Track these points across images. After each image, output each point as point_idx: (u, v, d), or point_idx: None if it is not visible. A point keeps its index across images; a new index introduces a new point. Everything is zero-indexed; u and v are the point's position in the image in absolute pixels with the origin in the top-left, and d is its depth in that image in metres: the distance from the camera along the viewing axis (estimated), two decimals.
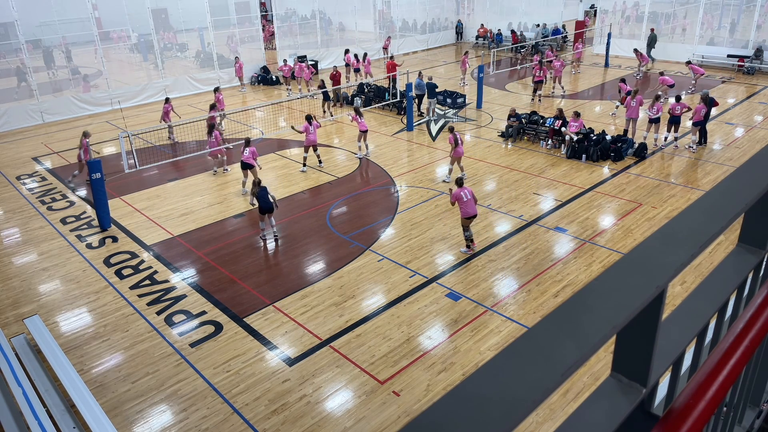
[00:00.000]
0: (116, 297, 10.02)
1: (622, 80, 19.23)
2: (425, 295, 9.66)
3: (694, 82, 21.79)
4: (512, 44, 30.02)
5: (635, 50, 24.46)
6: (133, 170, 13.84)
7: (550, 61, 23.38)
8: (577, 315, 1.04)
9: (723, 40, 26.89)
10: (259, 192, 11.36)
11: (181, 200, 13.99)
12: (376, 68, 26.95)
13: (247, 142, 13.74)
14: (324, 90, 19.71)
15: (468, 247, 11.01)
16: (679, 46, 27.02)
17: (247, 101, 23.19)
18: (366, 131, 16.10)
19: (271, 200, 11.47)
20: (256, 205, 11.71)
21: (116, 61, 24.67)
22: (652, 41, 27.19)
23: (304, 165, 15.37)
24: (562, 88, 22.48)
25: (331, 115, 20.13)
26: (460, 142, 13.81)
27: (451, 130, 13.97)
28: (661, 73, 20.16)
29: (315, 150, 15.37)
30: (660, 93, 17.56)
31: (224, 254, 11.33)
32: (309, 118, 14.93)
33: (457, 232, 11.66)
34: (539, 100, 21.25)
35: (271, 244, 11.70)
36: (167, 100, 18.11)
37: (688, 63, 22.04)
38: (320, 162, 15.63)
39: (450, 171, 14.26)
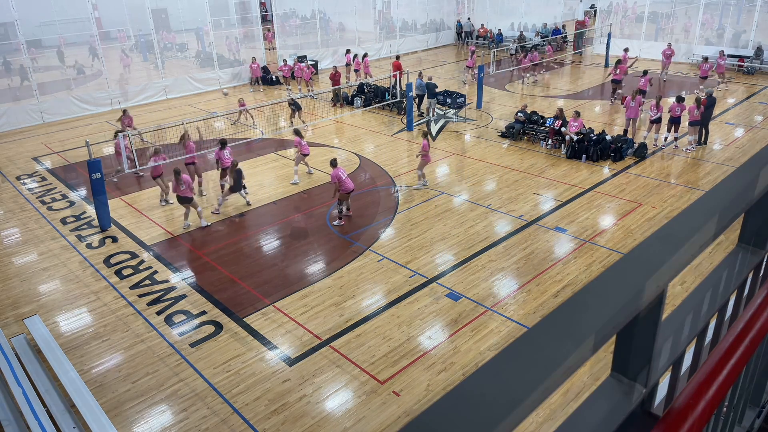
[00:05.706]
0: (116, 297, 10.02)
1: (645, 72, 18.76)
2: (425, 295, 9.66)
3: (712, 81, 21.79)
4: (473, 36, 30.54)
5: (669, 45, 24.13)
6: (133, 170, 13.83)
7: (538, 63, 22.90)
8: (577, 315, 1.04)
9: (723, 40, 26.87)
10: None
11: None
12: (376, 68, 26.93)
13: (177, 173, 11.80)
14: (294, 103, 18.84)
15: (341, 219, 12.25)
16: (679, 46, 27.00)
17: (251, 101, 23.17)
18: (307, 155, 14.58)
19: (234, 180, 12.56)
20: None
21: (116, 61, 24.66)
22: (579, 36, 30.56)
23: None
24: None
25: (304, 123, 18.43)
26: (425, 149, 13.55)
27: (425, 135, 13.87)
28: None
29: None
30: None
31: (224, 254, 11.33)
32: (223, 143, 13.60)
33: (457, 232, 11.67)
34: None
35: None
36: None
37: (722, 54, 21.89)
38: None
39: (420, 176, 13.87)
